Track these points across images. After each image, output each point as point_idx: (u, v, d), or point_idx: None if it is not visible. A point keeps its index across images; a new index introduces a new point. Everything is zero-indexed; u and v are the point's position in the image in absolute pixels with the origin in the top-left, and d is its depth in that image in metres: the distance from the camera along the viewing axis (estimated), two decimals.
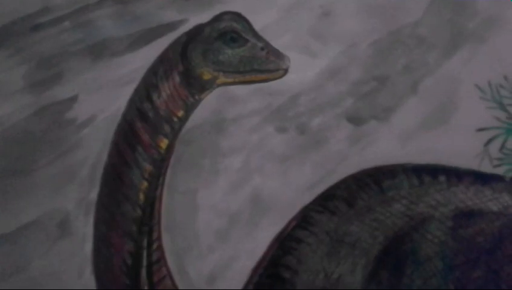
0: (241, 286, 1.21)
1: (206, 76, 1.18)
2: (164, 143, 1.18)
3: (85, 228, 1.27)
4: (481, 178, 1.21)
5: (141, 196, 1.17)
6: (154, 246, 1.18)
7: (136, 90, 1.21)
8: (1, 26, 1.38)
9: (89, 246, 1.19)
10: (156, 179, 1.18)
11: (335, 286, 1.16)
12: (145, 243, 1.16)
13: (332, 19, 1.36)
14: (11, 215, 1.31)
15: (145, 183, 1.17)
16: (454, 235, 1.16)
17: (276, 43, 1.20)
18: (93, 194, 1.23)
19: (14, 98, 1.35)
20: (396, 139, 1.30)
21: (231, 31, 1.17)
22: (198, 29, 1.18)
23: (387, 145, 1.30)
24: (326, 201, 1.23)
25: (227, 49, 1.17)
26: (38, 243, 1.30)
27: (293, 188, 1.29)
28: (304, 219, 1.23)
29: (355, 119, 1.33)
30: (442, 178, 1.21)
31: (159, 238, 1.19)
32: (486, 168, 1.23)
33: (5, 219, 1.31)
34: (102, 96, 1.33)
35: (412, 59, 1.35)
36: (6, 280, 1.28)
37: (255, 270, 1.22)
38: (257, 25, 1.19)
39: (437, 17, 1.36)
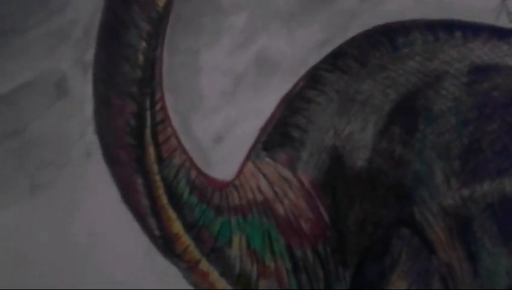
0: (249, 145, 1.28)
1: None
2: (161, 1, 1.20)
3: (83, 88, 1.31)
4: (498, 33, 1.24)
5: (140, 57, 1.19)
6: (157, 107, 1.22)
7: None
8: None
9: (89, 107, 1.23)
10: (155, 39, 1.20)
11: (345, 143, 1.24)
12: (147, 104, 1.21)
13: None
14: (5, 76, 1.35)
15: (144, 44, 1.19)
16: (469, 90, 1.22)
17: None
18: (89, 55, 1.25)
19: None
20: None
21: None
22: None
23: (400, 1, 1.32)
24: (336, 60, 1.26)
25: None
26: (35, 104, 1.35)
27: (301, 47, 1.33)
28: (313, 79, 1.27)
29: None
30: (457, 34, 1.25)
31: (162, 99, 1.23)
32: (503, 22, 1.27)
33: None
34: None
35: None
36: (3, 142, 1.34)
37: (264, 129, 1.27)
38: None
39: None
